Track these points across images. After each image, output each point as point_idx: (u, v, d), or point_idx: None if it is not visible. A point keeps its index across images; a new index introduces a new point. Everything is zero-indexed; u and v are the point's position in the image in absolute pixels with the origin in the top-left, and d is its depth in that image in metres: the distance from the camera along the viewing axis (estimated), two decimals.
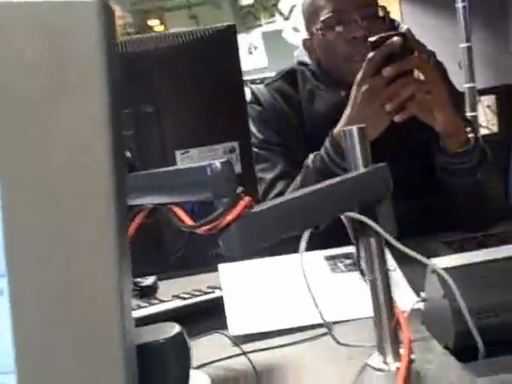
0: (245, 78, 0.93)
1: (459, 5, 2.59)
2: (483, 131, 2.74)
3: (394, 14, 2.79)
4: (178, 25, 4.57)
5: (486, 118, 2.82)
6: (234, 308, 0.95)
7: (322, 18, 1.31)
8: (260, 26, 5.40)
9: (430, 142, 1.22)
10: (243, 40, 4.39)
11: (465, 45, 2.60)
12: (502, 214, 1.32)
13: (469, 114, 2.58)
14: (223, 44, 0.86)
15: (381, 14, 1.32)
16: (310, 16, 1.36)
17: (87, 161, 0.36)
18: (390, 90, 1.11)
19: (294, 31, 4.18)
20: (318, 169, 1.20)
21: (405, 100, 1.11)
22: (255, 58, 4.39)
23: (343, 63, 1.30)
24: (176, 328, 0.51)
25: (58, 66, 0.36)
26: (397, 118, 1.13)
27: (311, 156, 1.22)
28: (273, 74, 1.49)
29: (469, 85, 2.59)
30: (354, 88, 1.15)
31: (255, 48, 4.45)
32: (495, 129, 2.81)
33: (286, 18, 4.34)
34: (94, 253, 0.36)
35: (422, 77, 1.13)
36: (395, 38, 1.11)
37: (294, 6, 4.08)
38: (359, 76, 1.13)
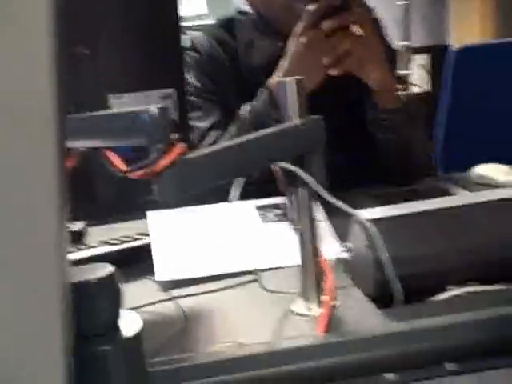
0: (184, 24, 0.93)
1: None
2: (416, 89, 2.80)
3: None
4: None
5: (419, 76, 2.88)
6: (162, 254, 0.96)
7: None
8: None
9: (363, 96, 1.25)
10: None
11: (402, 2, 2.63)
12: (428, 169, 1.37)
13: (402, 72, 2.63)
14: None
15: None
16: None
17: (30, 101, 0.36)
18: (328, 43, 1.12)
19: None
20: (253, 119, 1.21)
21: (341, 54, 1.13)
22: (195, 4, 4.31)
23: (281, 13, 1.30)
24: (109, 268, 0.53)
25: None
26: (332, 72, 1.14)
27: (246, 106, 1.23)
28: (213, 22, 1.48)
29: (404, 43, 2.63)
30: (292, 39, 1.15)
31: None
32: (427, 87, 2.89)
33: None
34: (35, 195, 0.37)
35: (359, 32, 1.15)
36: (337, 2, 1.12)
37: None
38: (297, 28, 1.14)
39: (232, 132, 1.25)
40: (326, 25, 1.11)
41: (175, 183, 0.57)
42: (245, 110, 1.23)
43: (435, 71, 2.77)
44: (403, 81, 1.35)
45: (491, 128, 1.69)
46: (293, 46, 1.15)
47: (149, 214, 1.04)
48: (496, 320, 0.71)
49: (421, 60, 2.88)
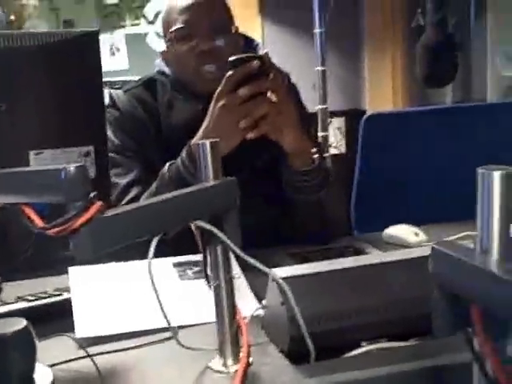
0: (105, 79, 0.94)
1: (316, 30, 2.73)
2: (332, 151, 2.90)
3: (256, 32, 2.89)
4: (37, 16, 4.40)
5: (336, 138, 2.99)
6: (82, 310, 0.95)
7: (171, 30, 1.35)
8: (124, 27, 5.32)
9: (278, 158, 1.29)
10: (106, 40, 4.32)
11: (320, 68, 2.74)
12: (343, 229, 1.42)
13: (320, 134, 2.72)
14: (85, 48, 0.87)
15: (233, 30, 1.38)
16: (165, 27, 1.40)
17: None
18: (245, 108, 1.17)
19: (158, 37, 4.18)
20: (174, 178, 1.23)
21: (257, 119, 1.18)
22: (117, 60, 4.33)
23: (194, 76, 1.34)
24: (23, 323, 0.52)
25: None
26: (249, 135, 1.19)
27: (167, 165, 1.25)
28: (134, 78, 1.50)
29: (321, 106, 2.73)
30: (212, 103, 1.19)
31: (117, 50, 4.39)
32: (343, 149, 3.00)
33: (151, 23, 4.32)
34: None
35: (274, 98, 1.20)
36: (254, 62, 1.16)
37: (160, 11, 4.08)
38: (217, 92, 1.18)
39: (153, 189, 1.26)
40: (243, 91, 1.16)
41: (91, 240, 0.57)
42: (166, 168, 1.25)
43: (351, 134, 2.89)
44: (317, 143, 1.40)
45: (401, 190, 1.77)
46: (212, 109, 1.19)
47: (70, 269, 1.03)
48: (405, 374, 0.74)
49: (338, 123, 3.00)
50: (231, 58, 1.19)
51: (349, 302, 0.85)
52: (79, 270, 1.04)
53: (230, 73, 1.17)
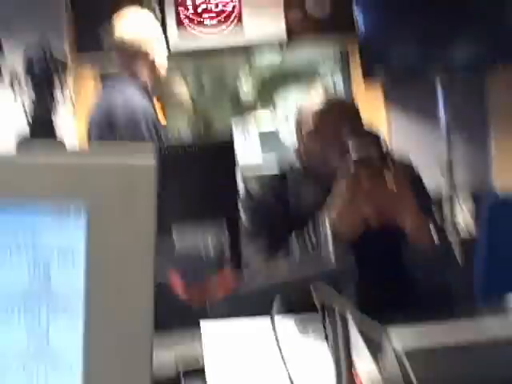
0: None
1: (442, 116, 2.80)
2: (463, 235, 2.87)
3: (381, 121, 3.00)
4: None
5: (466, 222, 2.97)
6: (215, 366, 1.02)
7: (305, 131, 1.51)
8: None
9: (400, 238, 1.36)
10: (240, 137, 4.59)
11: (446, 155, 2.78)
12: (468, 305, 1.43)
13: (450, 219, 2.72)
14: (222, 157, 1.07)
15: (364, 127, 1.52)
16: (298, 128, 1.57)
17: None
18: (367, 198, 1.28)
19: (290, 134, 4.38)
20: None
21: (379, 208, 1.28)
22: (251, 155, 4.58)
23: (322, 168, 1.50)
24: None
25: None
26: (371, 223, 1.29)
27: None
28: (266, 172, 1.68)
29: (450, 191, 2.75)
30: (336, 193, 1.32)
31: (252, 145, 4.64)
32: (474, 233, 2.96)
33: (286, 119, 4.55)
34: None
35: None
36: (377, 163, 1.28)
37: (290, 114, 4.32)
38: (341, 183, 1.30)
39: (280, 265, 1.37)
40: (367, 187, 1.27)
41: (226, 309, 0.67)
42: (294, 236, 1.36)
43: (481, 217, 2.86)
44: (440, 225, 1.45)
45: None
46: (337, 200, 1.31)
47: (202, 323, 1.13)
48: None
49: (467, 206, 2.98)
50: (355, 157, 1.31)
51: (468, 378, 0.87)
52: (210, 324, 1.14)
53: (354, 171, 1.28)
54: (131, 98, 2.38)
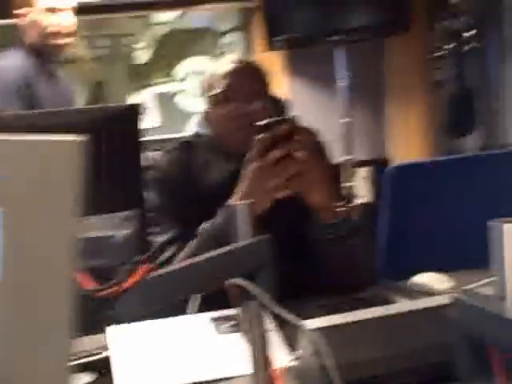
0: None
1: (340, 83, 2.82)
2: (360, 201, 2.95)
3: (283, 88, 2.99)
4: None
5: (363, 188, 3.04)
6: (121, 368, 0.99)
7: (212, 94, 1.44)
8: (154, 85, 5.47)
9: (307, 212, 1.34)
10: (137, 99, 4.45)
11: (345, 120, 2.81)
12: (371, 278, 1.45)
13: (346, 185, 2.78)
14: (126, 121, 0.94)
15: (269, 93, 1.48)
16: (206, 90, 1.49)
17: None
18: (275, 169, 1.23)
19: (188, 96, 4.30)
20: (212, 237, 1.29)
21: (288, 179, 1.24)
22: (148, 118, 4.46)
23: (230, 138, 1.44)
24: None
25: None
26: (280, 195, 1.25)
27: (204, 225, 1.31)
28: (165, 135, 1.60)
29: (347, 157, 2.79)
30: (244, 166, 1.27)
31: (149, 108, 4.52)
32: (371, 198, 3.04)
33: (181, 80, 4.45)
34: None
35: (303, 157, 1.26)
36: (282, 125, 1.24)
37: (190, 72, 4.22)
38: (248, 155, 1.26)
39: (192, 249, 1.32)
40: (273, 154, 1.23)
41: (139, 301, 0.63)
42: (204, 228, 1.31)
43: (376, 183, 2.94)
44: (343, 196, 1.45)
45: (427, 238, 1.80)
46: (245, 172, 1.26)
47: (108, 329, 1.08)
48: None
49: (364, 173, 3.05)
50: (261, 123, 1.27)
51: (379, 351, 0.89)
52: (117, 328, 1.09)
53: (260, 136, 1.24)
54: (8, 64, 2.27)
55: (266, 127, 1.25)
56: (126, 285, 0.62)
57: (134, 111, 0.93)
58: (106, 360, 1.02)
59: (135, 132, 0.94)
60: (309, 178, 1.26)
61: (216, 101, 1.45)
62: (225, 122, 1.44)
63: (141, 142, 0.97)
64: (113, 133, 0.94)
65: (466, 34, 2.47)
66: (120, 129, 0.94)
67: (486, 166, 1.89)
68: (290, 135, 1.25)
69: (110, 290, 0.63)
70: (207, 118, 1.50)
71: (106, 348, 1.06)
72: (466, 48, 2.23)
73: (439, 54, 2.30)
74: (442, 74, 2.33)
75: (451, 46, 2.22)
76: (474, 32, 2.40)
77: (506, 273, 0.60)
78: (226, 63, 1.48)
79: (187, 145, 1.51)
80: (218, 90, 1.44)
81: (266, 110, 1.43)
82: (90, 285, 0.65)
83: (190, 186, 1.45)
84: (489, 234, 0.61)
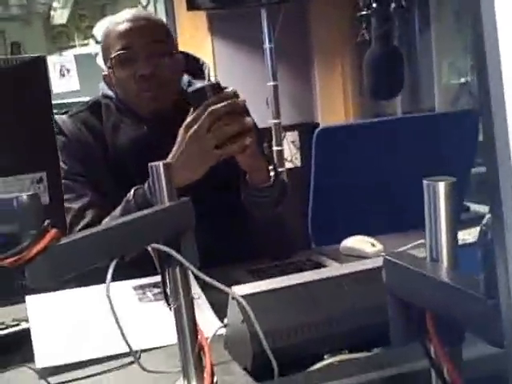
0: (56, 101, 0.93)
1: (266, 46, 2.76)
2: (288, 165, 2.93)
3: (208, 52, 2.91)
4: None
5: (291, 152, 3.02)
6: (41, 340, 0.94)
7: (111, 56, 1.35)
8: (73, 47, 5.25)
9: (237, 176, 1.30)
10: (55, 62, 4.28)
11: (271, 83, 2.77)
12: (301, 243, 1.44)
13: (275, 149, 2.75)
14: (33, 74, 0.86)
15: (174, 51, 1.39)
16: (104, 52, 1.39)
17: None
18: (213, 133, 1.17)
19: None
20: (140, 203, 1.22)
21: (222, 142, 1.18)
22: (67, 81, 4.29)
23: (136, 99, 1.36)
24: None
25: None
26: (215, 159, 1.19)
27: (132, 190, 1.24)
28: (85, 99, 1.50)
29: (275, 121, 2.76)
30: (181, 132, 1.19)
31: (67, 71, 4.35)
32: (299, 163, 3.02)
33: (99, 43, 4.30)
34: None
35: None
36: (214, 98, 1.17)
37: None
38: (186, 123, 1.19)
39: (116, 215, 1.25)
40: (208, 120, 1.16)
41: (47, 269, 0.57)
42: (131, 194, 1.24)
43: (305, 147, 2.92)
44: (272, 160, 1.41)
45: (356, 202, 1.80)
46: (182, 137, 1.19)
47: (28, 298, 1.01)
48: None
49: (292, 137, 3.03)
50: (190, 89, 1.22)
51: (309, 316, 0.86)
52: (37, 298, 1.02)
53: (213, 108, 1.17)
54: None
55: (195, 95, 1.19)
56: (33, 251, 0.56)
57: (42, 62, 0.85)
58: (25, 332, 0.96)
59: (44, 86, 0.86)
60: (242, 141, 1.20)
61: (116, 63, 1.35)
62: (129, 85, 1.35)
63: (51, 98, 0.89)
64: (19, 86, 0.85)
65: None
66: (28, 81, 0.85)
67: (410, 129, 1.90)
68: (218, 98, 1.19)
69: (16, 258, 0.56)
70: (109, 81, 1.40)
71: (24, 320, 1.00)
72: (393, 7, 2.21)
73: (365, 13, 2.27)
74: (368, 35, 2.31)
75: (376, 4, 2.19)
76: None
77: (442, 233, 0.57)
78: (122, 20, 1.36)
79: (95, 106, 1.42)
80: (117, 52, 1.34)
81: (172, 68, 1.35)
82: None
83: (100, 148, 1.37)
84: (424, 194, 0.58)
